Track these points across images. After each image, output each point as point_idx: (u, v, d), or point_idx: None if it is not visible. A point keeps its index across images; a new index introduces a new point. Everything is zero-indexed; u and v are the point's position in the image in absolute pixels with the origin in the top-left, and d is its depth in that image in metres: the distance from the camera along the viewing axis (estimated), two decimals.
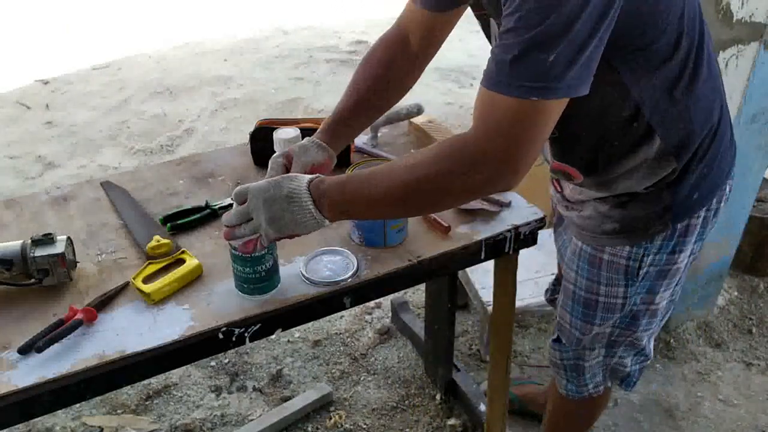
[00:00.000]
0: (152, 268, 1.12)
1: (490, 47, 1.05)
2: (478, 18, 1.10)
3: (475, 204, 1.28)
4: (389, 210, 1.01)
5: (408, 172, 0.92)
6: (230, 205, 1.29)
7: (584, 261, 1.23)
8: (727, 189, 1.19)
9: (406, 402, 1.99)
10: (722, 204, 1.19)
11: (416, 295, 2.41)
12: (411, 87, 1.27)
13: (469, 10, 1.14)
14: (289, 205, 0.97)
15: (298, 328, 2.22)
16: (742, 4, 1.70)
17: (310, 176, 1.00)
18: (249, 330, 1.05)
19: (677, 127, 1.04)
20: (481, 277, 2.03)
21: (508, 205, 1.29)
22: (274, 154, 1.15)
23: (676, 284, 1.26)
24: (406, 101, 1.35)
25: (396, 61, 1.22)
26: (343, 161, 1.42)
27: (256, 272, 1.05)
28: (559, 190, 1.28)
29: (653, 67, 0.97)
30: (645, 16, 0.90)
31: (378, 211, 1.02)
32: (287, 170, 1.13)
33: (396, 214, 1.09)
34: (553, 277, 1.62)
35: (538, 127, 0.86)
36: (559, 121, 0.88)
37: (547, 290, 1.64)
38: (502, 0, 0.86)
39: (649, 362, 1.40)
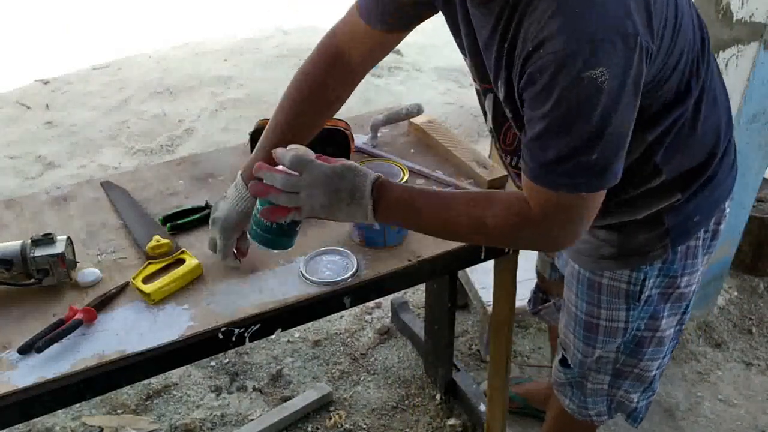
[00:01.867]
0: (152, 268, 1.12)
1: (486, 118, 1.10)
2: (478, 90, 1.09)
3: None
4: (439, 235, 1.05)
5: (469, 215, 0.96)
6: None
7: (583, 284, 1.20)
8: (727, 209, 1.17)
9: (406, 402, 1.99)
10: (722, 225, 1.17)
11: (416, 295, 2.41)
12: (344, 103, 1.21)
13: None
14: (351, 199, 0.95)
15: (298, 328, 2.22)
16: (742, 4, 1.70)
17: (374, 175, 0.98)
18: (249, 330, 1.05)
19: (682, 162, 1.03)
20: (481, 277, 2.03)
21: None
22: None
23: (684, 312, 1.22)
24: (406, 101, 1.35)
25: (332, 80, 1.15)
26: None
27: (276, 223, 0.99)
28: None
29: (666, 113, 0.97)
30: (664, 73, 0.91)
31: (427, 232, 1.04)
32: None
33: (444, 238, 1.11)
34: (534, 285, 1.60)
35: (589, 211, 0.91)
36: None
37: (529, 301, 1.62)
38: (525, 98, 0.86)
39: (653, 397, 1.36)
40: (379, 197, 0.96)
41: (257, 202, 1.00)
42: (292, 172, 0.95)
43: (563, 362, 1.33)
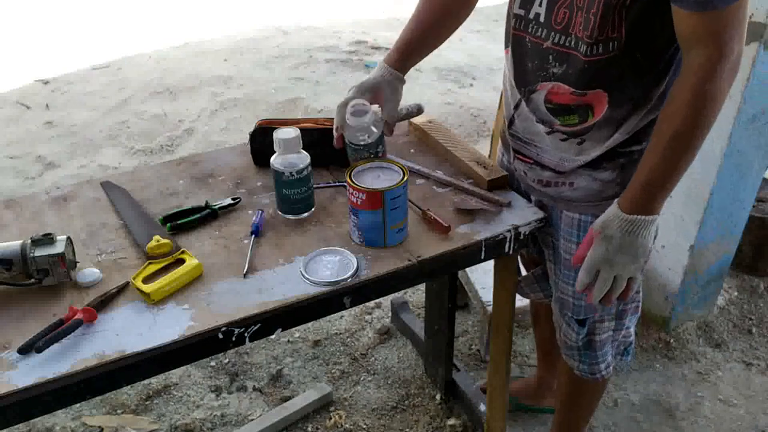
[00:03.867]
0: (152, 268, 1.12)
1: (521, 7, 1.17)
2: None
3: (476, 204, 1.28)
4: (688, 157, 1.06)
5: (682, 118, 1.02)
6: (230, 205, 1.30)
7: (584, 230, 1.26)
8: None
9: (406, 402, 1.99)
10: None
11: (416, 295, 2.41)
12: (466, 18, 1.36)
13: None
14: (632, 236, 1.09)
15: (298, 328, 2.22)
16: None
17: (615, 206, 1.11)
18: (249, 330, 1.05)
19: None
20: (481, 277, 2.03)
21: (507, 205, 1.29)
22: (354, 101, 1.27)
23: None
24: (406, 101, 1.35)
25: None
26: (343, 161, 1.42)
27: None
28: (531, 162, 1.29)
29: None
30: None
31: (684, 166, 1.07)
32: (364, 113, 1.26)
33: (692, 156, 1.11)
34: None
35: (745, 21, 1.02)
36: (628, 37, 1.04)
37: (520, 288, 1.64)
38: None
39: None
40: (633, 207, 1.08)
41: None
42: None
43: (574, 321, 1.39)
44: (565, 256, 1.33)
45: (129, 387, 1.98)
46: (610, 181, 1.21)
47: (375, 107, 1.29)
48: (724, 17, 0.97)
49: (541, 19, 1.13)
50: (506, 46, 1.26)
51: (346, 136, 1.28)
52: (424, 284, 2.10)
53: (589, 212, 1.26)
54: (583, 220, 1.27)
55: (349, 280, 1.11)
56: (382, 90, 1.29)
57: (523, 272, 1.62)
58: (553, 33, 1.13)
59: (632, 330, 1.44)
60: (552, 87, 1.16)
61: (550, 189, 1.29)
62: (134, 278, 1.09)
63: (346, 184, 1.17)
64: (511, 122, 1.31)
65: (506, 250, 1.26)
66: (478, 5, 1.37)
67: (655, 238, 1.18)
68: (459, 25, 1.36)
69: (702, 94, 1.00)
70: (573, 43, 1.10)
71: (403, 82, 1.32)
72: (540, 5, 1.13)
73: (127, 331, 1.01)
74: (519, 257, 1.59)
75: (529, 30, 1.17)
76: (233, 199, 1.32)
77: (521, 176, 1.36)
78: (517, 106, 1.27)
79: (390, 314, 2.29)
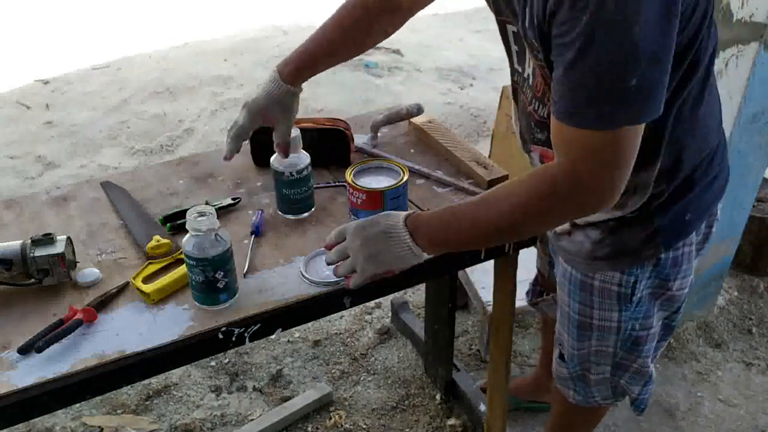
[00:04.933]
0: (152, 268, 1.12)
1: (518, 64, 1.06)
2: (498, 23, 1.07)
3: None
4: (485, 240, 1.04)
5: (503, 206, 0.94)
6: (230, 205, 1.30)
7: (575, 286, 1.20)
8: (718, 213, 1.17)
9: (406, 402, 1.99)
10: (713, 228, 1.17)
11: (416, 295, 2.41)
12: (389, 36, 1.28)
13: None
14: (387, 239, 0.99)
15: (298, 328, 2.22)
16: (742, 4, 1.69)
17: (405, 212, 1.01)
18: (249, 330, 1.05)
19: (674, 148, 1.01)
20: (481, 277, 2.03)
21: None
22: (241, 118, 1.22)
23: (675, 311, 1.23)
24: (407, 101, 1.35)
25: (380, 18, 1.24)
26: (343, 161, 1.42)
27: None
28: None
29: (684, 81, 0.94)
30: (685, 9, 0.84)
31: (474, 242, 1.04)
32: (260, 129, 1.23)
33: (491, 243, 1.09)
34: (533, 277, 1.61)
35: (623, 153, 0.85)
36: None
37: (527, 292, 1.63)
38: (554, 23, 0.81)
39: (653, 387, 1.38)
40: (414, 228, 0.98)
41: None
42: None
43: (562, 357, 1.34)
44: (561, 303, 1.28)
45: (129, 387, 1.98)
46: (598, 242, 1.12)
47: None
48: (583, 139, 0.84)
49: (530, 81, 1.07)
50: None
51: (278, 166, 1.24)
52: (424, 284, 2.10)
53: (579, 268, 1.19)
54: (573, 275, 1.20)
55: None
56: (272, 111, 1.21)
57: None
58: (534, 100, 1.07)
59: (635, 390, 1.33)
60: (542, 151, 1.11)
61: (556, 238, 1.24)
62: (134, 278, 1.09)
63: (346, 184, 1.17)
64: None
65: (506, 250, 1.26)
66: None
67: (687, 291, 1.15)
68: (359, 53, 1.32)
69: (534, 208, 0.92)
70: (547, 113, 1.03)
71: (297, 95, 1.24)
72: (529, 66, 1.06)
73: (127, 331, 1.01)
74: (540, 278, 1.57)
75: (523, 89, 1.12)
76: (233, 199, 1.32)
77: None
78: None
79: (390, 314, 2.29)
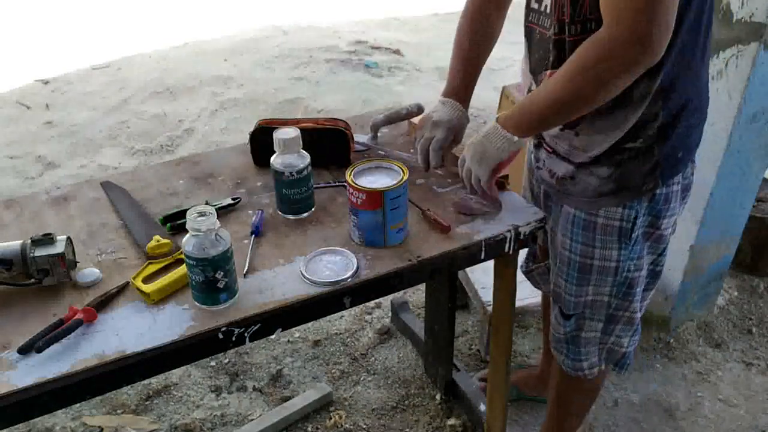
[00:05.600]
0: (152, 268, 1.12)
1: (536, 2, 1.23)
2: None
3: (475, 205, 1.28)
4: (558, 113, 1.14)
5: (564, 79, 1.08)
6: (230, 205, 1.30)
7: (578, 227, 1.29)
8: (696, 161, 1.30)
9: (406, 402, 1.99)
10: (691, 177, 1.30)
11: (416, 295, 2.41)
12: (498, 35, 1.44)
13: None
14: (487, 140, 1.22)
15: (298, 328, 2.22)
16: (742, 4, 1.70)
17: (494, 121, 1.22)
18: (249, 330, 1.05)
19: (673, 69, 1.12)
20: (481, 277, 2.03)
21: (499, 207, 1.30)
22: (429, 143, 1.35)
23: (660, 253, 1.34)
24: (407, 101, 1.36)
25: (490, 14, 1.39)
26: (343, 161, 1.42)
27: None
28: (550, 151, 1.33)
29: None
30: None
31: (553, 117, 1.16)
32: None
33: (568, 115, 1.16)
34: (528, 252, 1.67)
35: (672, 5, 0.98)
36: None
37: (522, 263, 1.67)
38: None
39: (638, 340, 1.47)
40: (504, 123, 1.20)
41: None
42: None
43: (561, 313, 1.42)
44: (561, 250, 1.35)
45: (129, 387, 1.98)
46: (606, 177, 1.23)
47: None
48: None
49: (548, 10, 1.18)
50: (525, 38, 1.32)
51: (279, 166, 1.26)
52: (424, 284, 2.10)
53: (582, 208, 1.28)
54: (576, 216, 1.29)
55: (349, 280, 1.11)
56: (458, 130, 1.38)
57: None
58: (554, 25, 1.17)
59: (625, 342, 1.42)
60: (550, 73, 1.20)
61: (558, 182, 1.31)
62: (134, 278, 1.09)
63: (346, 184, 1.17)
64: None
65: (506, 250, 1.26)
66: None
67: (671, 232, 1.29)
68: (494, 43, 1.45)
69: (590, 71, 1.04)
70: (561, 29, 1.15)
71: (468, 120, 1.41)
72: None
73: (127, 331, 1.01)
74: (537, 247, 1.63)
75: (539, 22, 1.23)
76: (233, 199, 1.32)
77: (540, 167, 1.39)
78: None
79: (390, 314, 2.29)
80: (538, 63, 1.25)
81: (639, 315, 1.39)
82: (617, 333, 1.40)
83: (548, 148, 1.33)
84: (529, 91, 1.31)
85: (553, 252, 1.40)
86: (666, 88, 1.14)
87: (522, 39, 1.31)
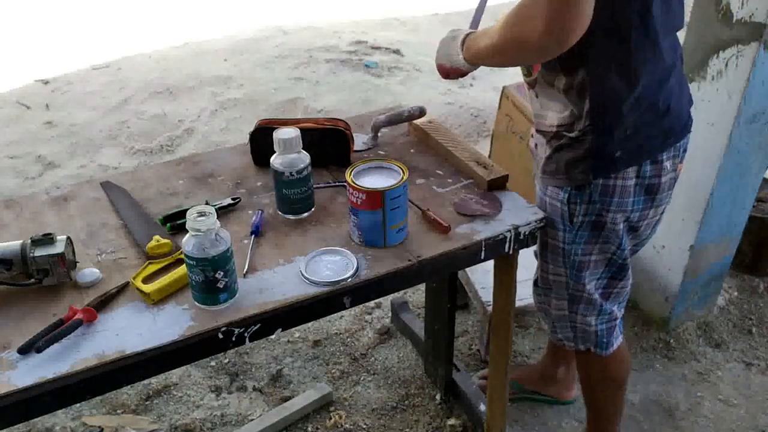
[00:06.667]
0: (152, 268, 1.12)
1: None
2: None
3: (475, 206, 1.28)
4: (492, 54, 1.20)
5: (500, 24, 1.12)
6: (230, 205, 1.30)
7: (537, 202, 1.37)
8: (668, 164, 1.28)
9: (406, 402, 1.99)
10: (663, 179, 1.28)
11: (416, 295, 2.41)
12: None
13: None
14: (451, 41, 1.32)
15: (298, 328, 2.22)
16: (742, 4, 1.70)
17: (469, 30, 1.31)
18: (249, 330, 1.05)
19: (608, 75, 1.16)
20: (481, 277, 2.03)
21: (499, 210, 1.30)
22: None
23: (618, 246, 1.34)
24: (407, 101, 1.36)
25: None
26: (343, 161, 1.42)
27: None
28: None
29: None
30: None
31: (488, 55, 1.21)
32: None
33: (500, 59, 1.23)
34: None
35: None
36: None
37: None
38: None
39: (616, 323, 1.48)
40: (465, 41, 1.28)
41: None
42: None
43: (535, 283, 1.51)
44: None
45: (129, 387, 1.98)
46: (547, 158, 1.30)
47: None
48: None
49: None
50: None
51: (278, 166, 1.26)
52: (424, 284, 2.10)
53: (540, 184, 1.35)
54: (538, 193, 1.37)
55: (349, 280, 1.11)
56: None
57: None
58: None
59: (592, 320, 1.44)
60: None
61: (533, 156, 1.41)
62: (134, 278, 1.09)
63: (346, 184, 1.17)
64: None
65: (506, 250, 1.26)
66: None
67: (626, 228, 1.32)
68: None
69: (513, 27, 1.08)
70: None
71: None
72: None
73: (127, 331, 1.01)
74: None
75: None
76: (233, 199, 1.32)
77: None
78: None
79: (390, 314, 2.29)
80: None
81: (598, 298, 1.41)
82: (581, 312, 1.44)
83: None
84: (530, 88, 1.33)
85: None
86: (587, 85, 1.18)
87: None
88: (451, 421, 1.90)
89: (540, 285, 1.49)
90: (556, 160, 1.28)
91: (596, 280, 1.40)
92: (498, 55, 1.18)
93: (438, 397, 1.98)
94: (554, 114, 1.26)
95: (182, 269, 1.10)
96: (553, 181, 1.30)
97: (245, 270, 1.13)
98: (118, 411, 1.94)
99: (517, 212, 1.29)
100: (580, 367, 1.61)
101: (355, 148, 1.49)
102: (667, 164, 1.28)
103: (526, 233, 1.27)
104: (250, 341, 1.06)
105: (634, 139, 1.22)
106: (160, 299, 1.07)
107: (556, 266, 1.40)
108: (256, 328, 1.05)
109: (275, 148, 1.25)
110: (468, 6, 1.46)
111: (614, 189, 1.26)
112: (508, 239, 1.24)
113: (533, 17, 1.02)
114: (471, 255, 1.22)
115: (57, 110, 4.09)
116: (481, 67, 1.35)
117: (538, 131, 1.34)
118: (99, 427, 1.89)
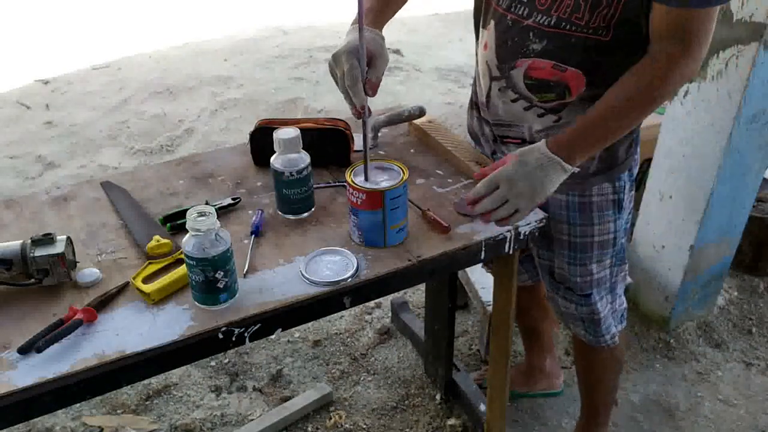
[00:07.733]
0: (152, 268, 1.12)
1: None
2: None
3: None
4: (617, 135, 1.17)
5: (624, 106, 1.11)
6: (230, 205, 1.30)
7: (574, 210, 1.35)
8: (696, 161, 1.44)
9: (406, 402, 1.99)
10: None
11: (416, 295, 2.41)
12: None
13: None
14: (542, 170, 1.11)
15: (298, 328, 2.22)
16: (742, 4, 1.70)
17: (542, 142, 1.13)
18: (249, 330, 1.05)
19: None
20: (481, 277, 2.03)
21: None
22: (344, 64, 1.12)
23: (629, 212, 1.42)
24: (406, 101, 1.36)
25: None
26: (343, 161, 1.42)
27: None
28: (520, 141, 1.35)
29: None
30: None
31: (611, 140, 1.17)
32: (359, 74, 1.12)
33: (623, 133, 1.19)
34: None
35: (713, 25, 1.07)
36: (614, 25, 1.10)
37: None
38: None
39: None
40: (558, 149, 1.11)
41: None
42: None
43: (569, 293, 1.45)
44: (558, 236, 1.39)
45: (129, 387, 1.98)
46: (596, 159, 1.29)
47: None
48: (699, 18, 1.04)
49: None
50: (484, 26, 1.30)
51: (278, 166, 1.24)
52: (424, 284, 2.10)
53: (574, 191, 1.32)
54: (571, 200, 1.34)
55: (349, 280, 1.11)
56: (375, 49, 1.17)
57: None
58: (535, 12, 1.18)
59: (622, 294, 1.51)
60: (531, 63, 1.21)
61: None
62: (134, 278, 1.09)
63: (346, 184, 1.17)
64: (487, 105, 1.35)
65: (506, 250, 1.26)
66: None
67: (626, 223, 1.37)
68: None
69: (655, 86, 1.09)
70: (554, 22, 1.16)
71: (383, 39, 1.22)
72: None
73: (127, 331, 1.01)
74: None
75: (511, 9, 1.22)
76: (233, 199, 1.32)
77: None
78: (490, 88, 1.32)
79: (390, 314, 2.29)
80: (510, 50, 1.24)
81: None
82: (618, 293, 1.49)
83: (516, 140, 1.35)
84: (493, 79, 1.29)
85: (553, 239, 1.42)
86: None
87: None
88: (451, 421, 1.90)
89: (582, 292, 1.44)
90: (606, 158, 1.29)
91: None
92: (628, 125, 1.17)
93: (438, 397, 1.98)
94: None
95: (182, 269, 1.10)
96: (605, 177, 1.31)
97: (245, 270, 1.13)
98: (118, 411, 1.94)
99: None
100: (592, 358, 1.60)
101: (355, 148, 1.49)
102: (696, 160, 1.45)
103: (526, 233, 1.26)
104: (250, 341, 1.06)
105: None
106: (160, 299, 1.07)
107: (602, 262, 1.40)
108: (256, 328, 1.05)
109: (275, 148, 1.24)
110: (468, 6, 1.43)
111: (635, 163, 1.35)
112: (508, 239, 1.24)
113: (668, 92, 1.10)
114: (471, 255, 1.22)
115: (57, 110, 4.09)
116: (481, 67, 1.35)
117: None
118: (99, 427, 1.89)
